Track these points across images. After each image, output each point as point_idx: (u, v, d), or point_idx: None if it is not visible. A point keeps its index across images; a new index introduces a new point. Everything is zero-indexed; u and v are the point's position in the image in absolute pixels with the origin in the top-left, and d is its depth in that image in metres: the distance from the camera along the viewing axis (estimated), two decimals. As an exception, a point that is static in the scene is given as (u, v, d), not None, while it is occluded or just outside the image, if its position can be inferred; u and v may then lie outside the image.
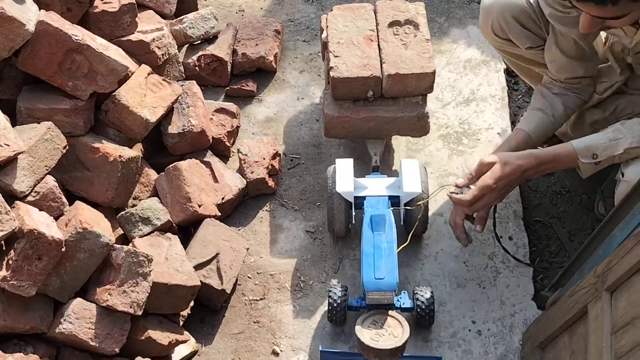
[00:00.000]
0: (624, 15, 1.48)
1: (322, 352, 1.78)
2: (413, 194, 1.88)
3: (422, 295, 1.81)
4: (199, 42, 2.34)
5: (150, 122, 1.95)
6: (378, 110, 2.00)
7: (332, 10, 2.11)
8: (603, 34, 1.88)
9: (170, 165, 1.97)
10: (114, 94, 1.88)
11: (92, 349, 1.64)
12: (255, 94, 2.37)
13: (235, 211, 2.11)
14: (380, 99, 2.01)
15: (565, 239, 2.06)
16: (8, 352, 1.55)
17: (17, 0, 1.72)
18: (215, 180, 2.06)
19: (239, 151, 2.14)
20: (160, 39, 2.07)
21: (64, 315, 1.61)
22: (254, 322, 1.92)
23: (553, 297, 1.74)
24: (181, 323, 1.85)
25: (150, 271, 1.67)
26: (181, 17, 2.31)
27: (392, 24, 2.04)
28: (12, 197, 1.62)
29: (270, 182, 2.12)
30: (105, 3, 1.95)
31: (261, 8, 2.62)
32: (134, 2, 1.99)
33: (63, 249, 1.58)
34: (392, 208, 1.87)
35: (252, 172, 2.09)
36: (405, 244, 1.81)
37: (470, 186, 1.71)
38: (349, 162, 1.96)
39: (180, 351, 1.81)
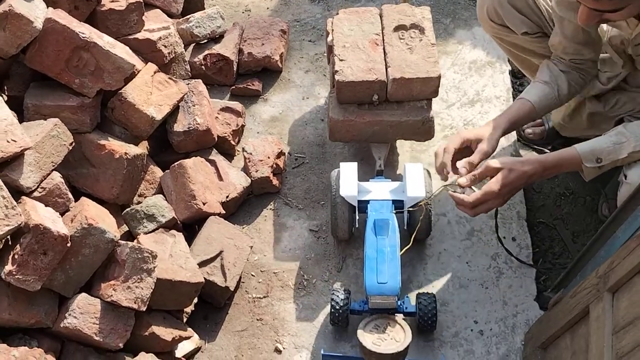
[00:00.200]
0: (621, 8, 1.51)
1: (324, 355, 1.79)
2: (417, 199, 1.87)
3: (424, 301, 1.81)
4: (205, 41, 2.36)
5: (156, 120, 1.96)
6: (383, 115, 2.00)
7: (338, 12, 2.12)
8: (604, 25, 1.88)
9: (176, 163, 1.98)
10: (120, 91, 1.90)
11: (97, 344, 1.65)
12: (260, 93, 2.38)
13: (239, 209, 2.13)
14: (385, 103, 2.01)
15: (568, 241, 2.06)
16: (13, 346, 1.56)
17: (25, -2, 1.73)
18: (220, 178, 2.07)
19: (243, 150, 2.15)
20: (167, 37, 2.09)
21: (69, 310, 1.63)
22: (257, 320, 1.93)
23: (555, 297, 1.74)
24: (185, 320, 1.86)
25: (154, 267, 1.68)
26: (188, 16, 2.33)
27: (398, 28, 2.05)
28: (18, 193, 1.64)
29: (275, 181, 2.13)
30: (112, 1, 1.97)
31: (267, 8, 2.64)
32: (141, 0, 2.00)
33: (68, 245, 1.59)
34: (395, 211, 1.87)
35: (256, 171, 2.10)
36: (408, 246, 1.82)
37: (473, 187, 1.71)
38: (353, 166, 1.96)
39: (184, 347, 1.83)
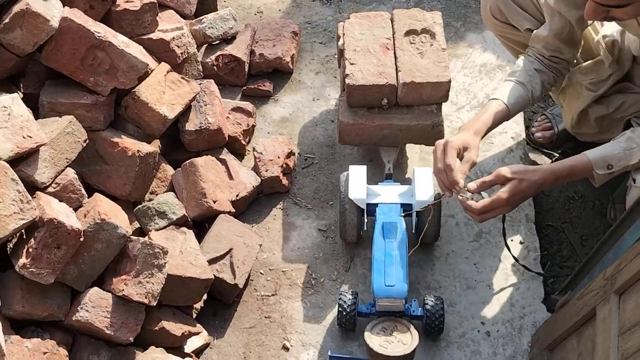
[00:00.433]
0: (627, 4, 1.51)
1: (331, 357, 1.79)
2: (425, 203, 1.87)
3: (432, 304, 1.82)
4: (217, 42, 2.38)
5: (169, 119, 1.99)
6: (392, 118, 2.01)
7: (349, 15, 2.14)
8: (598, 25, 1.89)
9: (187, 162, 2.01)
10: (133, 90, 1.92)
11: (107, 337, 1.67)
12: (271, 94, 2.40)
13: (249, 208, 2.15)
14: (395, 107, 2.02)
15: (577, 244, 2.06)
16: (26, 337, 1.58)
17: (42, -3, 1.76)
18: (231, 177, 2.09)
19: (254, 149, 2.17)
20: (180, 38, 2.11)
21: (81, 303, 1.65)
22: (265, 317, 1.95)
23: (562, 299, 1.75)
24: (194, 315, 1.88)
25: (165, 263, 1.71)
26: (201, 17, 2.35)
27: (409, 32, 2.06)
28: (33, 188, 1.67)
29: (284, 181, 2.15)
30: (127, 2, 1.99)
31: (279, 10, 2.66)
32: (155, 1, 2.03)
33: (81, 239, 1.61)
34: (403, 214, 1.88)
35: (266, 170, 2.12)
36: (415, 247, 1.83)
37: (482, 193, 1.71)
38: (362, 169, 1.96)
39: (193, 343, 1.85)
